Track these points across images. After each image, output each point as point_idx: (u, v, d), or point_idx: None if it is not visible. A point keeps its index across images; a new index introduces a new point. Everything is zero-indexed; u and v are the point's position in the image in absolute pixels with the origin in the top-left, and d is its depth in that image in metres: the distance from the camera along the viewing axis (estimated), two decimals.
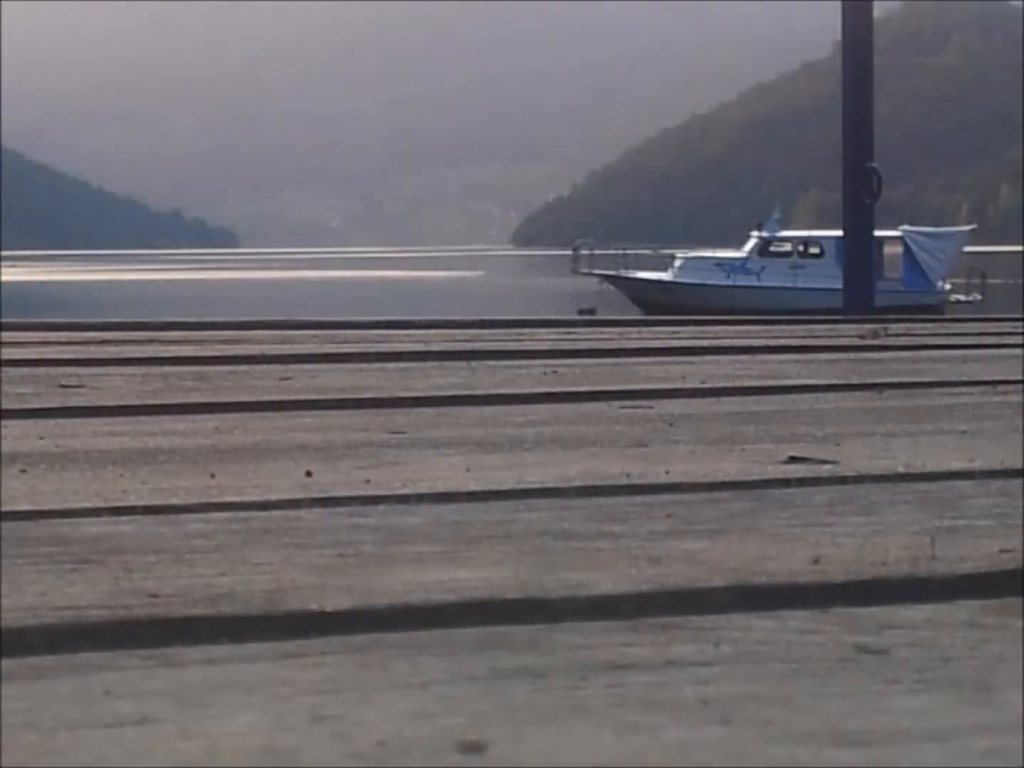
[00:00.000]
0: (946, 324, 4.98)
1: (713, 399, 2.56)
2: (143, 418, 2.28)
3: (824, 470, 1.74)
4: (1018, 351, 3.45)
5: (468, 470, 1.75)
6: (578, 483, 1.63)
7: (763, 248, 30.25)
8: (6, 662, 0.95)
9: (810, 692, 0.90)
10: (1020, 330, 4.17)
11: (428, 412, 2.37)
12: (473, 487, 1.62)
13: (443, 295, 45.92)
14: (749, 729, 0.83)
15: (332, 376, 2.93)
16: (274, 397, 2.56)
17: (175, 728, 0.83)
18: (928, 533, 1.33)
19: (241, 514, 1.46)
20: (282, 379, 2.85)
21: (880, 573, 1.20)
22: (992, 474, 1.70)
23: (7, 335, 3.81)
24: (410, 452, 1.91)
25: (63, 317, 4.97)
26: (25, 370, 2.99)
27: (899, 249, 28.51)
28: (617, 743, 0.81)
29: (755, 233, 30.64)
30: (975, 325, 4.66)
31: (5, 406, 2.36)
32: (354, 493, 1.57)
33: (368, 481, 1.67)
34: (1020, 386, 2.70)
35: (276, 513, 1.47)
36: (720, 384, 2.77)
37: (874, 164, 11.69)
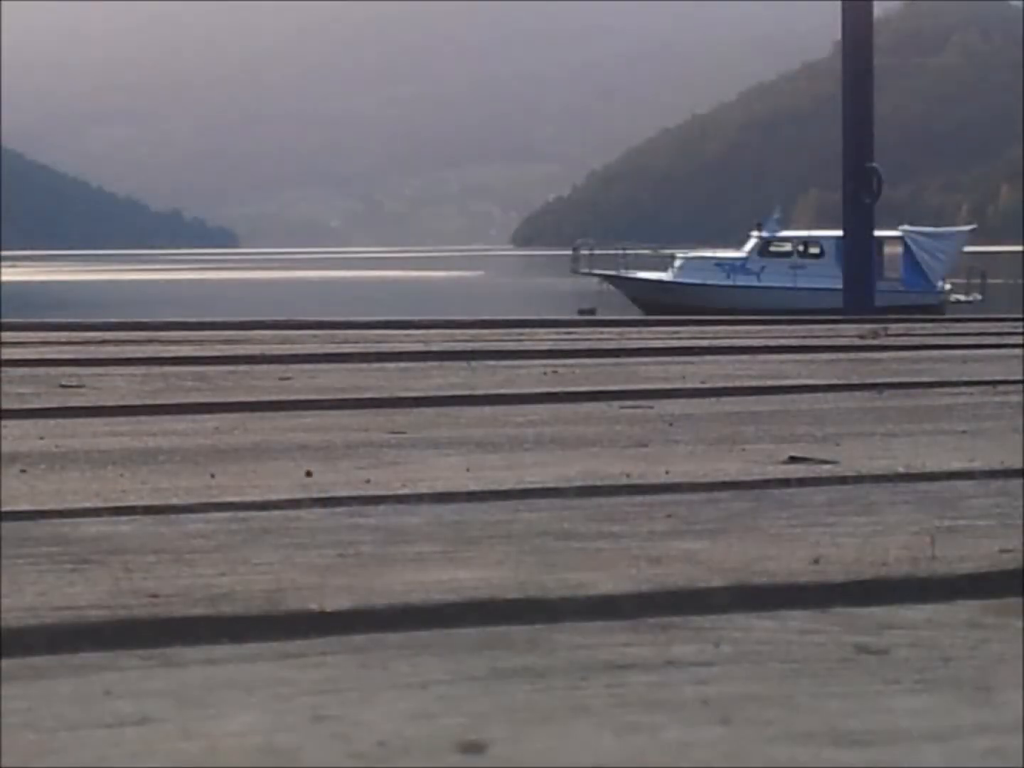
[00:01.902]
0: (946, 324, 4.98)
1: (713, 399, 2.56)
2: (143, 418, 2.28)
3: (824, 470, 1.74)
4: (1018, 351, 3.45)
5: (468, 470, 1.75)
6: (578, 483, 1.63)
7: (763, 248, 30.22)
8: (6, 662, 0.95)
9: (810, 692, 0.90)
10: (1020, 330, 4.17)
11: (428, 412, 2.37)
12: (473, 487, 1.61)
13: (443, 295, 45.91)
14: (749, 729, 0.83)
15: (332, 376, 2.93)
16: (274, 397, 2.56)
17: (175, 728, 0.83)
18: (928, 533, 1.33)
19: (241, 514, 1.46)
20: (282, 379, 2.85)
21: (880, 573, 1.20)
22: (992, 474, 1.70)
23: (7, 335, 3.81)
24: (410, 452, 1.91)
25: (63, 317, 4.96)
26: (25, 370, 2.99)
27: (899, 249, 28.48)
28: (617, 743, 0.81)
29: (755, 233, 30.61)
30: (975, 325, 4.66)
31: (5, 406, 2.36)
32: (354, 493, 1.57)
33: (368, 481, 1.67)
34: (1020, 386, 2.70)
35: (276, 513, 1.47)
36: (720, 384, 2.77)
37: (874, 164, 11.67)
